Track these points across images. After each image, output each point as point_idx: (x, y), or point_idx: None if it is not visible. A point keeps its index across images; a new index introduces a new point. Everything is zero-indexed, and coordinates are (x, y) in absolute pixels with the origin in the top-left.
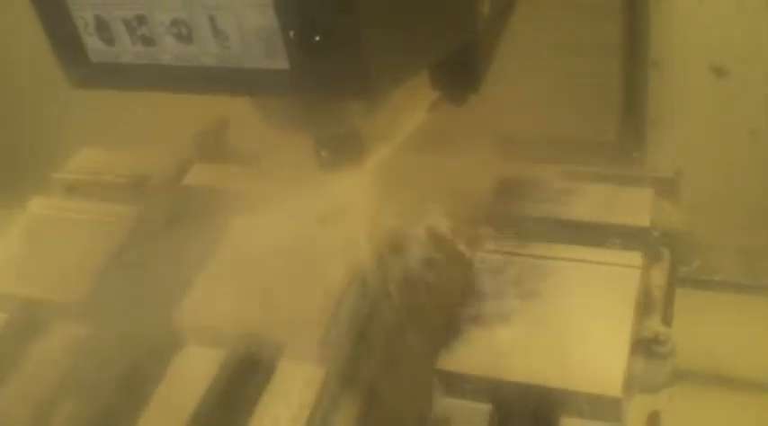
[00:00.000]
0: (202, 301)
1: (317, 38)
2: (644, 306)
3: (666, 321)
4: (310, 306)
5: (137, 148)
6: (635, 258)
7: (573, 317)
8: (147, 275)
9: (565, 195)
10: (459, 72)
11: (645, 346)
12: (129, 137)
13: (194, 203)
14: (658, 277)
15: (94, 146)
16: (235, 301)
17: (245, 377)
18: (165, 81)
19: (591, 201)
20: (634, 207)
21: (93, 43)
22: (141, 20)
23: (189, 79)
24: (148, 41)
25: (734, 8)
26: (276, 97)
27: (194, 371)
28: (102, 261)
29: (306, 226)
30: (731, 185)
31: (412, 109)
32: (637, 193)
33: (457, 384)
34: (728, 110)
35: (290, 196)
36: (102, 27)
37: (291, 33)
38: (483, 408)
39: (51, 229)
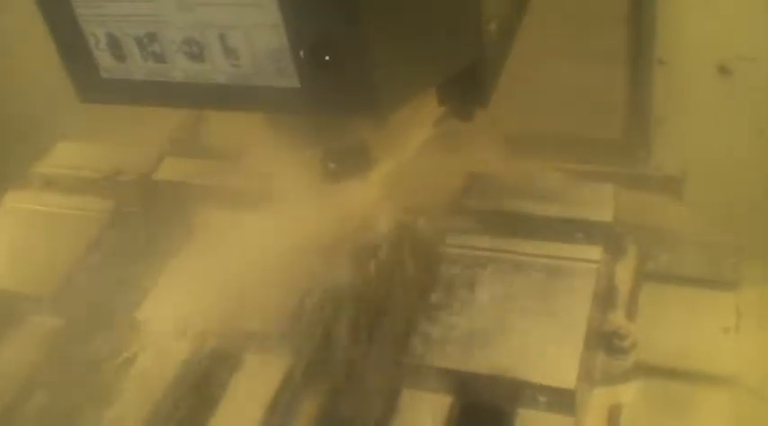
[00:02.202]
0: (171, 294)
1: (327, 57)
2: (607, 300)
3: (630, 316)
4: (277, 299)
5: (114, 143)
6: (595, 252)
7: (531, 311)
8: (118, 269)
9: (530, 190)
10: (467, 88)
11: (606, 340)
12: (106, 132)
13: (166, 197)
14: (623, 272)
15: (72, 140)
16: (203, 294)
17: (212, 370)
18: (176, 97)
19: (556, 197)
20: (597, 202)
21: (104, 59)
22: (152, 38)
23: (199, 96)
24: (160, 59)
25: (740, 7)
26: (286, 114)
27: (162, 363)
28: (74, 256)
29: (275, 220)
30: (737, 184)
31: (419, 124)
32: (599, 189)
33: (418, 376)
34: (734, 109)
35: (259, 191)
36: (114, 44)
37: (301, 53)
38: (444, 400)
39: (27, 223)
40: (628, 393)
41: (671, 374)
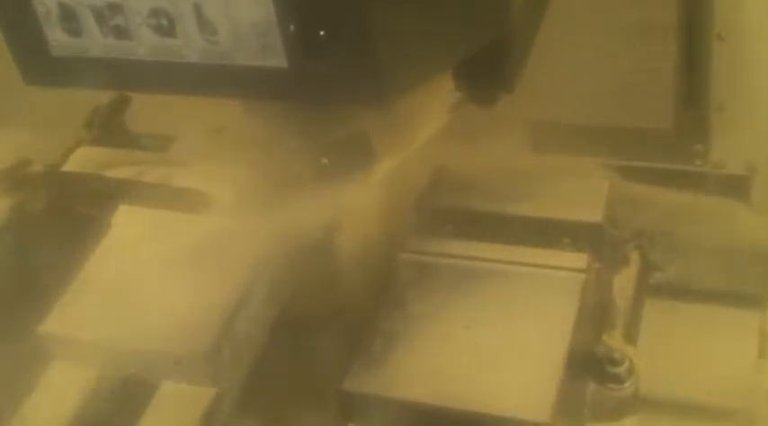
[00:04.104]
0: (75, 309)
1: (322, 32)
2: (601, 318)
3: (629, 337)
4: (202, 316)
5: (24, 131)
6: (580, 260)
7: (503, 331)
8: (22, 275)
9: (506, 186)
10: (489, 70)
11: (598, 366)
12: (17, 117)
13: (76, 192)
14: (623, 284)
15: None
16: (113, 310)
17: (121, 398)
18: (140, 78)
19: (537, 194)
20: (587, 201)
21: (55, 34)
22: (115, 9)
23: (168, 77)
24: (122, 33)
25: None
26: (271, 100)
27: (63, 390)
28: None
29: (201, 222)
30: None
31: (430, 110)
32: (591, 185)
33: (362, 407)
34: None
35: (185, 186)
36: (68, 16)
37: (291, 27)
38: None
39: None
40: None
41: (678, 409)
